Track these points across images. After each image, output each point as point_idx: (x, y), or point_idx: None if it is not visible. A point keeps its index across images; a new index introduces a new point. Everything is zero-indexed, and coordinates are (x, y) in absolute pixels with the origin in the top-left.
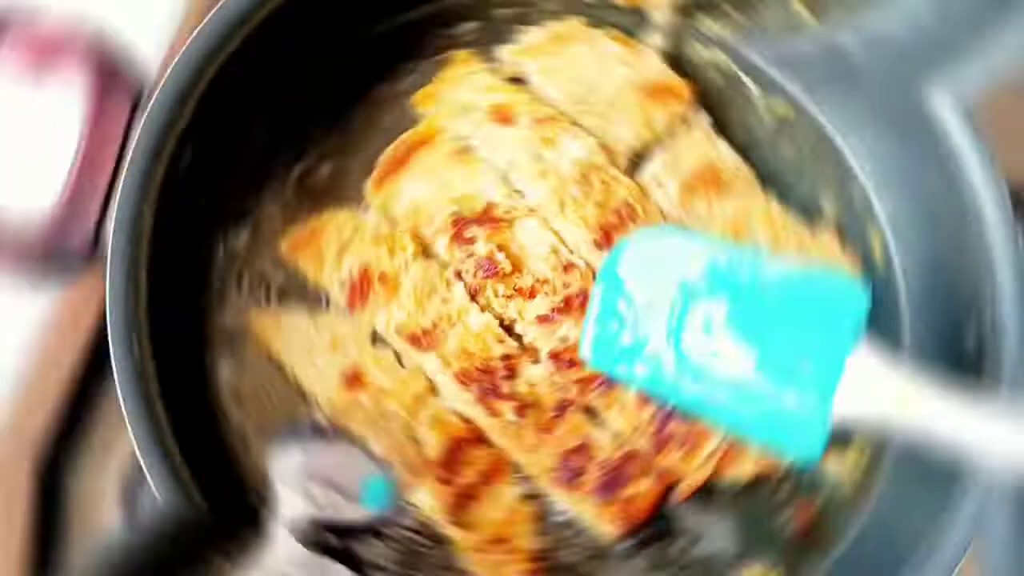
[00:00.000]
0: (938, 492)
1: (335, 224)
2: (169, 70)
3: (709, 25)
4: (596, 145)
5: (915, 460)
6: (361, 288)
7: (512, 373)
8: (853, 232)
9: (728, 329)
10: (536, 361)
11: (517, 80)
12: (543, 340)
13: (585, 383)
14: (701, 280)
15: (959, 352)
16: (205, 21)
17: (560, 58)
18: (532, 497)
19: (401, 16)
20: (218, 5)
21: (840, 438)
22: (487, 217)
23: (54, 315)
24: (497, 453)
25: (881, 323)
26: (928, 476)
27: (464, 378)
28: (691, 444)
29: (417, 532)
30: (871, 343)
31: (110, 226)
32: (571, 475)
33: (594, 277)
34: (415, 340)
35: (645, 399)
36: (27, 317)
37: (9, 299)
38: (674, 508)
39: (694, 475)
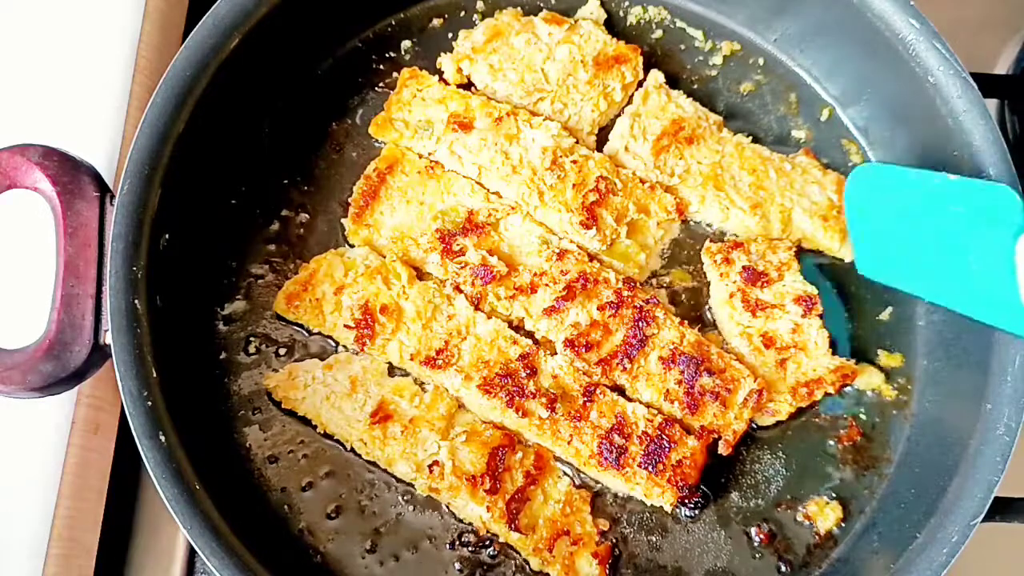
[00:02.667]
0: (975, 382)
1: (325, 269)
2: (128, 157)
3: None
4: (559, 129)
5: (948, 354)
6: (366, 324)
7: (533, 370)
8: (828, 147)
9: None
10: (553, 353)
11: (466, 86)
12: (555, 331)
13: (606, 362)
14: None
15: None
16: (152, 97)
17: (502, 53)
18: (583, 485)
19: (338, 48)
20: (162, 78)
21: (867, 352)
22: (471, 225)
23: (76, 422)
24: (537, 452)
25: None
26: (964, 366)
27: (488, 387)
28: (723, 397)
29: (482, 547)
30: None
31: (107, 325)
32: (615, 455)
33: (588, 259)
34: (431, 362)
35: (668, 364)
36: (48, 427)
37: (27, 412)
38: (724, 461)
39: (734, 425)
